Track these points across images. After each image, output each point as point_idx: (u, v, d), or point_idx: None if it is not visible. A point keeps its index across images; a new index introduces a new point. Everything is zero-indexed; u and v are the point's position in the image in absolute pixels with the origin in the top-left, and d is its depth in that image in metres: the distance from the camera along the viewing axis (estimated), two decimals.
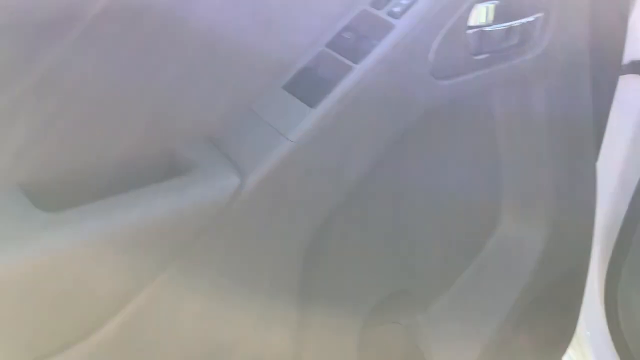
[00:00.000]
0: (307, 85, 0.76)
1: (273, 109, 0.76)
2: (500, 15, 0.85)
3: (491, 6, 0.83)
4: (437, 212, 0.98)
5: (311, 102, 0.74)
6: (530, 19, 0.88)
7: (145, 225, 0.66)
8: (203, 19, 0.72)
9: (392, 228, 0.92)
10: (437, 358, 1.09)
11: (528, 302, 1.10)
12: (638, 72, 1.13)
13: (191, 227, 0.69)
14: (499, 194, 1.06)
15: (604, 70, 1.11)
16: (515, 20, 0.87)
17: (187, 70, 0.72)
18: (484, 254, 1.10)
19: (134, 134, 0.69)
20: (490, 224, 1.08)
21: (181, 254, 0.69)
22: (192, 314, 0.73)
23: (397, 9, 0.77)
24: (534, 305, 1.11)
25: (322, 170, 0.76)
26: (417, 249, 1.00)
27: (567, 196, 1.08)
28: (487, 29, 0.84)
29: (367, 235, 0.90)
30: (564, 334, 1.25)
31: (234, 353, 0.79)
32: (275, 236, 0.76)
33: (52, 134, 0.64)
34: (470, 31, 0.82)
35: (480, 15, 0.83)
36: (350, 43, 0.77)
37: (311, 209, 0.78)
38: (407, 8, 0.76)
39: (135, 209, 0.66)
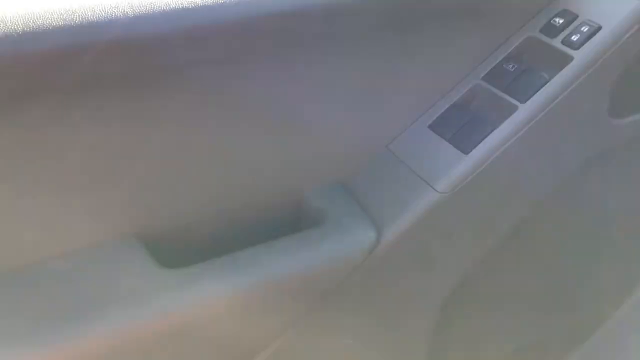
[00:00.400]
0: (459, 126, 0.65)
1: (416, 151, 0.65)
2: None
3: None
4: (589, 260, 0.85)
5: (464, 147, 0.63)
6: None
7: (273, 282, 0.59)
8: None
9: (538, 280, 0.81)
10: None
11: None
12: None
13: (321, 285, 0.61)
14: None
15: None
16: None
17: (318, 107, 0.62)
18: (626, 307, 0.97)
19: (260, 181, 0.62)
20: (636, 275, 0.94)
21: (309, 313, 0.61)
22: None
23: (575, 38, 0.64)
24: None
25: (470, 225, 0.66)
26: (557, 301, 0.88)
27: None
28: None
29: (510, 286, 0.79)
30: None
31: None
32: (409, 295, 0.67)
33: (172, 182, 0.58)
34: None
35: None
36: (514, 76, 0.65)
37: (453, 266, 0.68)
38: (588, 37, 0.63)
39: (262, 265, 0.59)
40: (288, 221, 0.65)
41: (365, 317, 0.66)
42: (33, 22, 0.44)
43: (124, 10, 0.47)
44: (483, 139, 0.63)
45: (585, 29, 0.64)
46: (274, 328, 0.62)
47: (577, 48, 0.63)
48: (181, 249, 0.59)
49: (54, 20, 0.45)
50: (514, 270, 0.77)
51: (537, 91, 0.63)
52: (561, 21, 0.65)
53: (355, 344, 0.67)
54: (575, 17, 0.65)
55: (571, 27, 0.65)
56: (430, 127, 0.66)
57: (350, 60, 0.60)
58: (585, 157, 0.69)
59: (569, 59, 0.63)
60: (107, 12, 0.46)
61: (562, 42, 0.64)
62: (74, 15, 0.46)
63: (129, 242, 0.57)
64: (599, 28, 0.63)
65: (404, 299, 0.68)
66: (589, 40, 0.63)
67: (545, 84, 0.63)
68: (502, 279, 0.77)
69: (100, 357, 0.54)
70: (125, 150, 0.54)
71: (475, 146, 0.63)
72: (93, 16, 0.46)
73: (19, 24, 0.44)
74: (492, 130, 0.63)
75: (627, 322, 0.98)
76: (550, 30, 0.66)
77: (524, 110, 0.63)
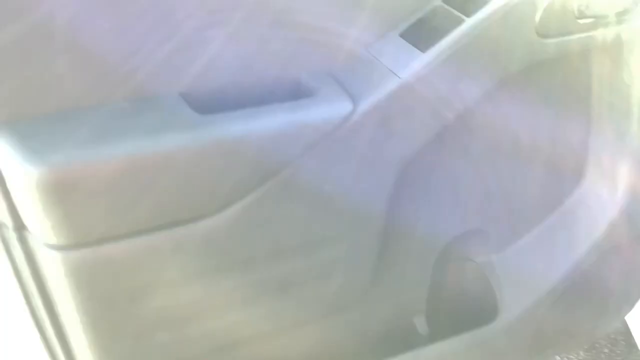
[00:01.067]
0: (421, 34, 0.87)
1: (388, 52, 0.87)
2: None
3: None
4: (523, 160, 1.07)
5: (423, 48, 0.85)
6: None
7: (270, 133, 0.81)
8: None
9: (476, 169, 1.03)
10: (507, 296, 1.19)
11: (595, 257, 1.18)
12: None
13: (307, 139, 0.83)
14: (585, 152, 1.14)
15: None
16: None
17: (316, 16, 0.84)
18: (565, 207, 1.19)
19: (276, 60, 0.84)
20: (574, 180, 1.16)
21: (294, 162, 0.83)
22: (279, 233, 0.88)
23: None
24: (600, 262, 1.19)
25: (424, 107, 0.88)
26: (498, 193, 1.10)
27: None
28: None
29: (450, 172, 1.01)
30: (627, 298, 1.32)
31: (320, 251, 0.93)
32: (374, 158, 0.89)
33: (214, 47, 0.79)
34: None
35: None
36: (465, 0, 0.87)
37: (409, 140, 0.90)
38: None
39: (265, 120, 0.81)
40: (288, 96, 0.86)
41: (339, 171, 0.88)
42: None
43: None
44: (437, 42, 0.85)
45: None
46: (265, 169, 0.83)
47: None
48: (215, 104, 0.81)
49: None
50: (454, 160, 0.99)
51: (480, 9, 0.85)
52: None
53: (326, 191, 0.89)
54: None
55: None
56: (401, 35, 0.88)
57: None
58: (519, 65, 0.91)
59: None
60: None
61: None
62: None
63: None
64: None
65: (369, 162, 0.89)
66: None
67: (485, 4, 0.85)
68: (444, 166, 0.99)
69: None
70: None
71: (430, 47, 0.85)
72: None
73: None
74: (442, 37, 0.85)
75: (558, 225, 1.20)
76: None
77: (468, 22, 0.85)
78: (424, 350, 1.12)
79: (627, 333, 1.72)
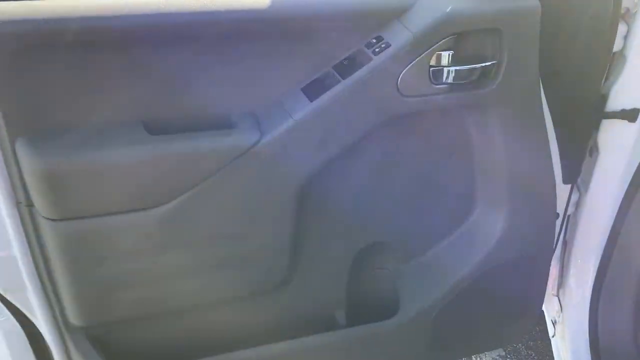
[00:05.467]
0: (315, 89, 1.24)
1: (291, 101, 1.24)
2: (463, 59, 1.26)
3: (450, 53, 1.24)
4: (420, 190, 1.41)
5: (312, 98, 1.22)
6: (487, 64, 1.28)
7: (199, 151, 1.19)
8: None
9: (380, 193, 1.37)
10: (407, 298, 1.51)
11: (486, 269, 1.48)
12: (627, 119, 1.45)
13: (218, 161, 1.20)
14: (474, 189, 1.46)
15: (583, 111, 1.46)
16: (474, 64, 1.27)
17: (252, 71, 1.23)
18: (461, 229, 1.50)
19: (217, 102, 1.23)
20: (468, 205, 1.48)
21: (215, 173, 1.20)
22: (207, 225, 1.25)
23: (377, 50, 1.22)
24: (489, 276, 1.49)
25: (313, 140, 1.24)
26: (403, 213, 1.44)
27: (525, 195, 1.44)
28: (447, 68, 1.25)
29: (350, 193, 1.36)
30: (526, 307, 1.60)
31: (242, 241, 1.30)
32: (276, 177, 1.25)
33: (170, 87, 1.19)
34: (433, 68, 1.25)
35: (444, 59, 1.25)
36: (346, 67, 1.23)
37: (302, 166, 1.25)
38: (381, 50, 1.21)
39: (195, 142, 1.19)
40: (219, 126, 1.24)
41: (246, 189, 1.25)
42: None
43: None
44: (321, 95, 1.21)
45: (384, 45, 1.22)
46: (185, 181, 1.20)
47: (376, 55, 1.21)
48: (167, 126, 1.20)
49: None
50: (352, 183, 1.34)
51: (353, 73, 1.21)
52: (374, 41, 1.23)
53: (236, 208, 1.26)
54: (382, 39, 1.23)
55: (378, 44, 1.23)
56: (302, 89, 1.25)
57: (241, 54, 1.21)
58: (384, 115, 1.26)
59: (370, 59, 1.21)
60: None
61: (372, 52, 1.22)
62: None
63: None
64: (389, 45, 1.21)
65: (272, 182, 1.26)
66: (382, 52, 1.21)
67: (356, 71, 1.21)
68: (345, 187, 1.34)
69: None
70: None
71: (316, 98, 1.21)
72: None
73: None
74: (323, 93, 1.21)
75: (456, 242, 1.51)
76: (370, 45, 1.24)
77: (343, 83, 1.21)
78: (324, 335, 1.45)
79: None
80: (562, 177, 1.52)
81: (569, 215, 1.65)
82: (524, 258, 1.51)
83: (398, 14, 1.24)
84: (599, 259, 1.58)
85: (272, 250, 1.35)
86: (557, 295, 1.80)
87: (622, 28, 1.41)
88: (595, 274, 1.60)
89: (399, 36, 1.22)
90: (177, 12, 1.11)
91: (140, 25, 1.10)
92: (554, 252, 1.65)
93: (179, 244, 1.26)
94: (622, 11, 1.39)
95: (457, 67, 1.25)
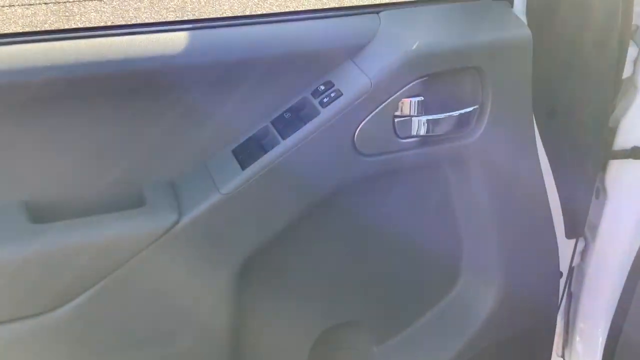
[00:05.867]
0: (248, 151, 0.97)
1: (219, 167, 0.97)
2: (436, 105, 0.99)
3: (418, 100, 0.97)
4: (393, 261, 1.14)
5: (244, 165, 0.95)
6: (467, 110, 1.01)
7: (100, 242, 0.92)
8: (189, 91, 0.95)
9: (339, 266, 1.11)
10: None
11: (472, 353, 1.22)
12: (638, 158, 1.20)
13: (132, 247, 0.94)
14: (460, 254, 1.19)
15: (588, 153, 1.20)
16: (450, 111, 1.00)
17: (167, 131, 0.96)
18: (442, 305, 1.24)
19: (125, 172, 0.97)
20: (451, 278, 1.22)
21: (122, 266, 0.93)
22: (118, 329, 0.98)
23: (325, 100, 0.95)
24: (477, 358, 1.23)
25: (247, 217, 0.97)
26: (374, 289, 1.17)
27: (521, 259, 1.18)
28: (416, 118, 0.98)
29: (308, 269, 1.09)
30: None
31: (165, 345, 1.03)
32: (204, 263, 0.99)
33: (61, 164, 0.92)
34: (399, 119, 0.98)
35: (411, 107, 0.98)
36: (288, 122, 0.97)
37: (237, 246, 0.99)
38: (332, 100, 0.94)
39: (98, 229, 0.92)
40: (133, 201, 0.98)
41: (168, 278, 0.98)
42: None
43: None
44: (255, 161, 0.95)
45: (333, 94, 0.95)
46: (92, 276, 0.93)
47: (325, 107, 0.94)
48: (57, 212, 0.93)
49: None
50: (303, 261, 1.07)
51: (297, 131, 0.94)
52: (322, 88, 0.97)
53: (157, 303, 0.98)
54: (332, 85, 0.96)
55: (328, 92, 0.96)
56: (233, 151, 0.98)
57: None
58: (336, 181, 0.99)
59: (318, 113, 0.94)
60: None
61: (319, 102, 0.96)
62: None
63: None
64: (341, 94, 0.94)
65: (199, 267, 0.99)
66: (332, 102, 0.94)
67: (300, 128, 0.94)
68: (296, 267, 1.07)
69: None
70: None
71: (250, 165, 0.94)
72: None
73: None
74: (263, 155, 0.94)
75: (435, 321, 1.26)
76: (317, 93, 0.97)
77: (283, 144, 0.94)
78: None
79: None
80: (565, 231, 1.26)
81: (573, 267, 1.40)
82: (521, 336, 1.25)
83: (351, 54, 0.97)
84: (611, 318, 1.33)
85: (209, 348, 1.08)
86: (563, 357, 1.55)
87: (632, 51, 1.15)
88: (606, 336, 1.35)
89: (353, 82, 0.95)
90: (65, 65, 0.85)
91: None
92: (558, 309, 1.39)
93: (83, 356, 0.99)
94: (632, 28, 1.14)
95: (429, 117, 0.99)
